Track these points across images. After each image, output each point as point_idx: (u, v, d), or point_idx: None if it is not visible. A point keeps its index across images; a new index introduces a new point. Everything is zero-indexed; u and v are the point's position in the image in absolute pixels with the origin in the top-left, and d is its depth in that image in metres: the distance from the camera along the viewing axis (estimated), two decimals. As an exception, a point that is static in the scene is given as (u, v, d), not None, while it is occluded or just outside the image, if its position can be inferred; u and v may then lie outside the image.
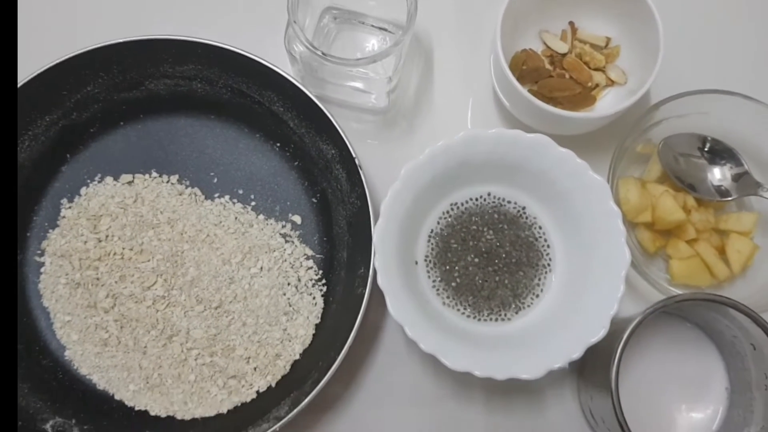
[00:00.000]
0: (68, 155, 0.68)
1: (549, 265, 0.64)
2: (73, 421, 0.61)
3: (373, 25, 0.70)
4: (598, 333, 0.56)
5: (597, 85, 0.68)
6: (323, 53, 0.59)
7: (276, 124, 0.68)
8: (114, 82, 0.66)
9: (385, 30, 0.70)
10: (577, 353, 0.56)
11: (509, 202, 0.66)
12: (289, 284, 0.65)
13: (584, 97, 0.67)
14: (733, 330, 0.58)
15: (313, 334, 0.65)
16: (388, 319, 0.68)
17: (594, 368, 0.59)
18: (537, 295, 0.64)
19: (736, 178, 0.64)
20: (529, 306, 0.64)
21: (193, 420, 0.62)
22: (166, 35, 0.64)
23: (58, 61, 0.63)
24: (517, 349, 0.61)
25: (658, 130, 0.66)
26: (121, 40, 0.64)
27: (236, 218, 0.67)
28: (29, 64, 0.63)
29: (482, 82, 0.72)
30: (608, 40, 0.69)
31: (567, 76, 0.68)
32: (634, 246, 0.65)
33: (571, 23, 0.70)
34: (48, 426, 0.60)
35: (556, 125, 0.65)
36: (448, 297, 0.64)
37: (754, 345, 0.56)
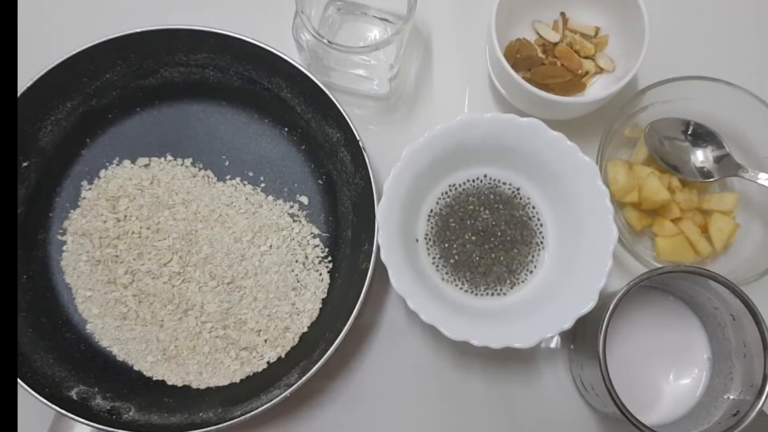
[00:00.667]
0: (88, 140, 0.69)
1: (542, 242, 0.66)
2: (96, 389, 0.63)
3: (375, 16, 0.72)
4: (587, 305, 0.58)
5: (587, 73, 0.70)
6: (329, 41, 0.61)
7: (284, 109, 0.69)
8: (131, 70, 0.68)
9: (387, 21, 0.71)
10: (567, 324, 0.58)
11: (504, 183, 0.67)
12: (297, 261, 0.67)
13: (575, 83, 0.69)
14: (714, 302, 0.60)
15: (320, 308, 0.67)
16: (390, 293, 0.69)
17: (584, 338, 0.62)
18: (530, 271, 0.66)
19: (718, 160, 0.66)
20: (523, 281, 0.66)
21: (208, 389, 0.65)
22: (181, 25, 0.66)
23: (79, 50, 0.64)
24: (512, 321, 0.63)
25: (644, 114, 0.68)
26: (138, 30, 0.65)
27: (247, 199, 0.69)
28: (52, 53, 0.64)
29: (479, 69, 0.73)
30: (597, 29, 0.71)
31: (558, 63, 0.70)
32: (622, 224, 0.67)
33: (563, 14, 0.72)
34: (73, 393, 0.62)
35: (548, 110, 0.67)
36: (447, 273, 0.66)
37: (733, 315, 0.59)
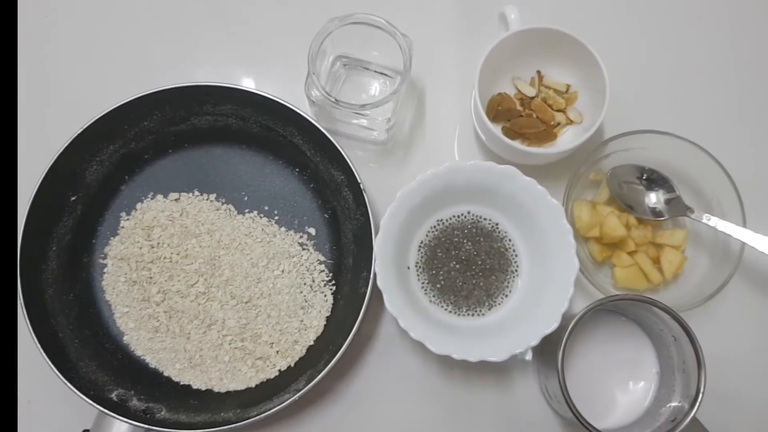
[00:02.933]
0: (127, 177, 0.74)
1: (516, 270, 0.72)
2: (132, 392, 0.67)
3: (375, 71, 0.77)
4: (551, 326, 0.64)
5: (558, 124, 0.75)
6: (336, 99, 0.67)
7: (296, 153, 0.73)
8: (165, 118, 0.72)
9: (386, 75, 0.77)
10: (534, 341, 0.63)
11: (485, 219, 0.73)
12: (305, 284, 0.72)
13: (548, 133, 0.74)
14: (660, 324, 0.66)
15: (325, 325, 0.71)
16: (385, 313, 0.73)
17: (549, 354, 0.66)
18: (506, 295, 0.71)
19: (668, 201, 0.72)
20: (499, 304, 0.71)
21: (227, 392, 0.69)
22: (210, 82, 0.71)
23: (123, 102, 0.70)
24: (488, 338, 0.68)
25: (607, 161, 0.73)
26: (174, 86, 0.70)
27: (263, 230, 0.73)
28: (100, 104, 0.69)
29: (466, 119, 0.77)
30: (568, 86, 0.75)
31: (534, 115, 0.74)
32: (586, 256, 0.73)
33: (539, 72, 0.76)
34: (113, 395, 0.66)
35: (523, 157, 0.72)
36: (434, 296, 0.71)
37: (674, 336, 0.64)
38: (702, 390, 0.61)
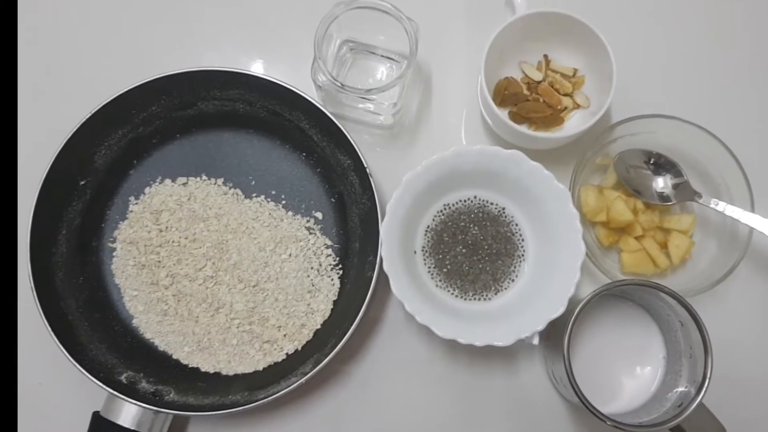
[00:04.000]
0: (135, 161, 0.74)
1: (523, 255, 0.72)
2: (141, 374, 0.68)
3: (382, 55, 0.77)
4: (557, 310, 0.64)
5: (565, 108, 0.74)
6: (342, 84, 0.67)
7: (303, 138, 0.74)
8: (173, 103, 0.73)
9: (392, 59, 0.77)
10: (540, 326, 0.64)
11: (492, 203, 0.73)
12: (312, 268, 0.72)
13: (554, 118, 0.73)
14: (667, 309, 0.66)
15: (331, 309, 0.71)
16: (391, 296, 0.73)
17: (555, 339, 0.66)
18: (512, 280, 0.71)
19: (676, 186, 0.72)
20: (506, 289, 0.71)
21: (236, 375, 0.69)
22: (217, 67, 0.70)
23: (130, 87, 0.70)
24: (494, 322, 0.68)
25: (614, 145, 0.73)
26: (181, 71, 0.70)
27: (270, 214, 0.73)
28: (108, 89, 0.70)
29: (473, 103, 0.77)
30: (575, 70, 0.75)
31: (541, 100, 0.74)
32: (593, 240, 0.73)
33: (546, 56, 0.76)
34: (123, 377, 0.67)
35: (529, 142, 0.72)
36: (440, 281, 0.71)
37: (681, 322, 0.64)
38: (709, 375, 0.61)
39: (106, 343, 0.70)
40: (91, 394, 0.66)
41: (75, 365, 0.65)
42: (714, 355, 0.61)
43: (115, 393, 0.65)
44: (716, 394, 0.61)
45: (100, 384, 0.65)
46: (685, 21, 0.83)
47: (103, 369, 0.67)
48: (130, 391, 0.66)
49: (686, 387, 0.64)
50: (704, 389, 0.61)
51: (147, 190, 0.74)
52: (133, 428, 0.65)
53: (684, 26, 0.83)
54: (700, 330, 0.62)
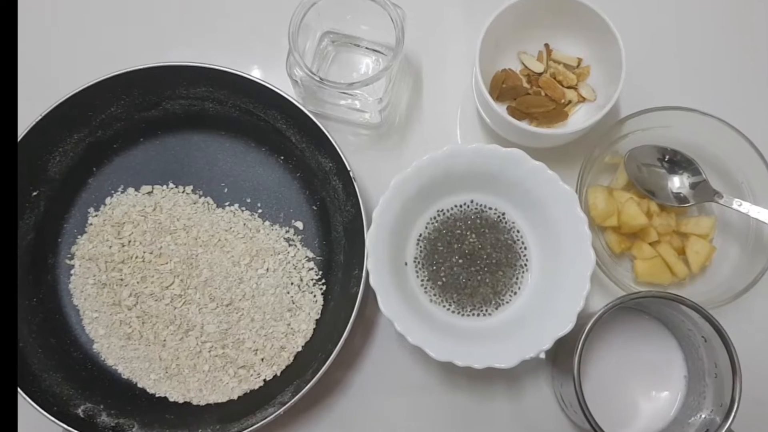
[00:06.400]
0: (94, 169, 0.72)
1: (526, 265, 0.68)
2: (102, 406, 0.65)
3: (366, 48, 0.74)
4: (565, 327, 0.60)
5: (569, 102, 0.72)
6: (321, 78, 0.63)
7: (280, 139, 0.71)
8: (135, 103, 0.70)
9: (378, 52, 0.74)
10: (547, 345, 0.60)
11: (490, 208, 0.69)
12: (292, 284, 0.69)
13: (558, 112, 0.71)
14: (687, 324, 0.62)
15: (314, 329, 0.69)
16: (380, 314, 0.67)
17: (564, 358, 0.63)
18: (515, 293, 0.68)
19: (694, 186, 0.69)
20: (507, 302, 0.68)
21: (208, 405, 0.66)
22: (181, 62, 0.68)
23: (86, 86, 0.67)
24: (495, 341, 0.64)
25: (624, 142, 0.70)
26: (141, 67, 0.67)
27: (245, 224, 0.71)
28: (60, 89, 0.67)
29: (468, 98, 0.75)
30: (579, 60, 0.73)
31: (542, 93, 0.72)
32: (603, 247, 0.70)
33: (547, 45, 0.74)
34: (80, 410, 0.64)
35: (530, 140, 0.69)
36: (435, 295, 0.68)
37: (704, 337, 0.61)
38: (737, 399, 0.57)
39: (62, 372, 0.67)
40: (43, 430, 0.63)
41: (25, 398, 0.62)
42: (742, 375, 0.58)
43: (70, 429, 0.62)
44: (744, 418, 0.58)
45: (53, 419, 0.62)
46: (701, 1, 0.80)
47: (57, 402, 0.64)
48: (87, 426, 0.63)
49: (711, 411, 0.61)
50: (733, 415, 0.57)
51: (108, 200, 0.72)
52: (89, 469, 0.63)
53: (700, 7, 0.80)
54: (727, 347, 0.59)
